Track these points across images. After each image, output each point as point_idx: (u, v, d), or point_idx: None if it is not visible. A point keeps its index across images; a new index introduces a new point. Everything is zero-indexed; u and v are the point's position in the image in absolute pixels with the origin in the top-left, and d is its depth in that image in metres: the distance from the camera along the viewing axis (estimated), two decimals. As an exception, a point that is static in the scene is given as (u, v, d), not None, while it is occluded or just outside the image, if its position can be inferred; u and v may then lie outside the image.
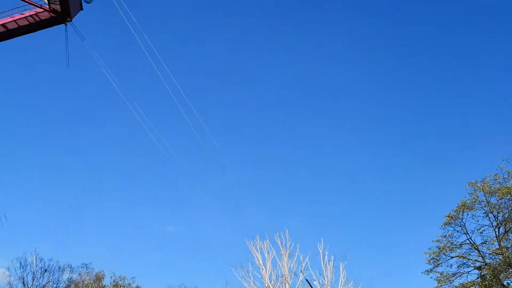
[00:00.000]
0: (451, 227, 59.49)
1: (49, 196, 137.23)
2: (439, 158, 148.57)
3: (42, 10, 41.90)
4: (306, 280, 29.33)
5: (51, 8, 41.27)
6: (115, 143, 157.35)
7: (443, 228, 60.03)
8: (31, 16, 43.17)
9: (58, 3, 40.36)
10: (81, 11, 43.21)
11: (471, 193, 57.85)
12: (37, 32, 45.18)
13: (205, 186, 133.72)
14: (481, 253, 57.86)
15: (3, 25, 44.78)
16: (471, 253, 58.60)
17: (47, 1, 41.27)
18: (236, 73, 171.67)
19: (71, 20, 42.15)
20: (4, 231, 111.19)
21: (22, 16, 43.58)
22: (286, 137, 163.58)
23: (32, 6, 42.72)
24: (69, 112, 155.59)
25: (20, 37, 46.45)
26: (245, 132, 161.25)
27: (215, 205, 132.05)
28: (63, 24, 42.50)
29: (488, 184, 57.02)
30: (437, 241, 60.04)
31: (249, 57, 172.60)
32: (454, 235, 59.52)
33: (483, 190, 57.15)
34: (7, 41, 47.45)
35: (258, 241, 54.10)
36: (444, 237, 59.85)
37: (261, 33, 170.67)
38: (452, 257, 59.11)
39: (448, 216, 59.45)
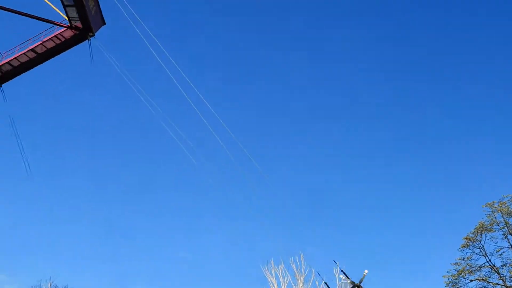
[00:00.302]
0: (470, 249, 58.15)
1: (65, 220, 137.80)
2: (454, 179, 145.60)
3: (65, 28, 43.02)
4: (325, 283, 28.46)
5: (73, 26, 42.30)
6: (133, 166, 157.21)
7: (461, 251, 58.68)
8: (55, 36, 44.62)
9: (79, 19, 41.34)
10: (104, 26, 44.20)
11: (489, 215, 56.72)
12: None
13: (218, 210, 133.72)
14: (502, 276, 56.07)
15: (33, 50, 46.43)
16: (492, 276, 56.81)
17: (67, 19, 42.21)
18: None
19: (93, 35, 42.95)
20: (19, 258, 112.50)
21: (48, 38, 45.01)
22: (298, 158, 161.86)
23: (57, 27, 44.36)
24: (94, 132, 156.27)
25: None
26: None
27: (229, 230, 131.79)
28: (87, 40, 43.53)
29: (506, 205, 55.81)
30: (455, 264, 58.52)
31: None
32: (473, 257, 58.06)
33: (501, 211, 55.96)
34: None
35: (273, 266, 53.63)
36: (463, 259, 58.34)
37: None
38: (471, 280, 57.43)
39: (466, 238, 58.12)
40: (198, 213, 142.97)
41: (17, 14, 44.39)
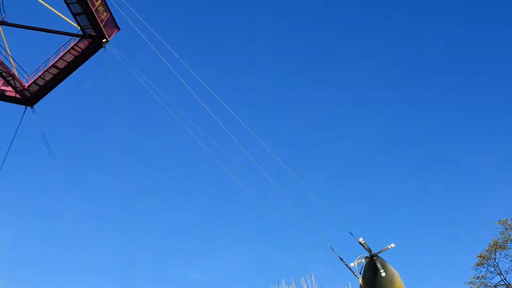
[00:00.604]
0: (484, 267, 56.78)
1: (76, 240, 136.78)
2: (466, 196, 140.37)
3: (79, 38, 44.17)
4: (340, 259, 26.91)
5: (86, 34, 43.42)
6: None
7: (475, 269, 57.36)
8: (72, 48, 45.52)
9: (90, 27, 42.19)
10: (118, 31, 44.35)
11: (502, 232, 55.38)
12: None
13: (229, 230, 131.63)
14: (518, 294, 54.07)
15: (54, 66, 47.57)
16: (507, 295, 54.88)
17: (80, 28, 43.08)
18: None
19: (107, 42, 43.27)
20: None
21: (66, 51, 45.99)
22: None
23: (73, 38, 45.04)
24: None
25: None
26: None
27: (239, 250, 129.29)
28: (103, 48, 43.95)
29: (520, 222, 54.47)
30: (470, 282, 56.85)
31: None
32: (488, 276, 56.62)
33: (514, 228, 54.60)
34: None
35: (283, 285, 53.03)
36: (477, 278, 56.77)
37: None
38: (487, 300, 55.48)
39: (480, 256, 56.78)
40: (209, 232, 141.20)
41: (30, 30, 45.85)
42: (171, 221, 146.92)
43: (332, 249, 25.12)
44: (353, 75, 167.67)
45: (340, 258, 25.16)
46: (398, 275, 23.89)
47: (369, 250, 22.98)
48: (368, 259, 22.89)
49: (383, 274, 22.30)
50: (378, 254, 22.99)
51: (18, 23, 46.13)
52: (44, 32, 46.30)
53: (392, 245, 22.47)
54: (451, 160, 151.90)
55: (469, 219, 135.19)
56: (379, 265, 22.44)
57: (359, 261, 23.43)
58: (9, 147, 55.31)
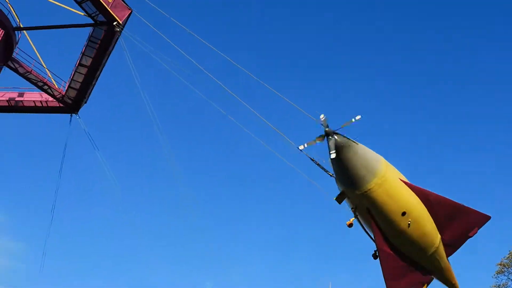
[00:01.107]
0: (505, 275, 54.06)
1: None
2: (486, 204, 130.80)
3: (93, 28, 42.02)
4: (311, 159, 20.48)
5: (97, 22, 41.00)
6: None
7: (496, 277, 54.44)
8: (90, 41, 43.37)
9: (99, 12, 39.73)
10: (131, 13, 41.60)
11: (523, 237, 51.03)
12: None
13: (244, 239, 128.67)
14: (541, 302, 50.88)
15: (81, 64, 45.81)
16: (531, 303, 51.99)
17: (89, 16, 40.84)
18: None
19: (120, 24, 40.47)
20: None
21: (85, 45, 43.96)
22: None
23: (90, 31, 42.92)
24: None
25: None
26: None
27: (255, 259, 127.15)
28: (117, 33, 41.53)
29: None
30: (491, 291, 53.96)
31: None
32: (509, 284, 53.91)
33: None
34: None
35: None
36: (498, 287, 54.07)
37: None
38: (509, 309, 52.76)
39: (500, 264, 53.91)
40: (226, 241, 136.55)
41: (46, 29, 45.17)
42: (187, 228, 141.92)
43: (300, 150, 18.65)
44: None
45: (311, 159, 19.41)
46: (381, 158, 18.39)
47: (326, 126, 17.10)
48: (322, 138, 17.39)
49: (349, 152, 17.14)
50: (338, 132, 17.22)
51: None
52: (58, 32, 45.19)
53: (358, 117, 17.05)
54: (469, 164, 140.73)
55: (488, 226, 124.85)
56: (341, 141, 17.10)
57: (310, 143, 17.68)
58: (63, 158, 53.63)
